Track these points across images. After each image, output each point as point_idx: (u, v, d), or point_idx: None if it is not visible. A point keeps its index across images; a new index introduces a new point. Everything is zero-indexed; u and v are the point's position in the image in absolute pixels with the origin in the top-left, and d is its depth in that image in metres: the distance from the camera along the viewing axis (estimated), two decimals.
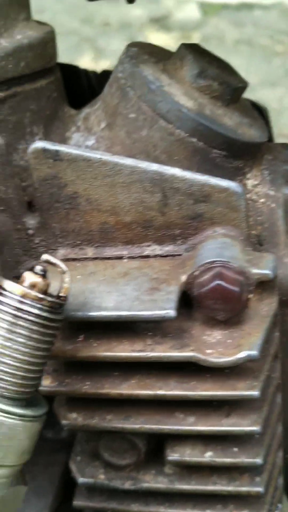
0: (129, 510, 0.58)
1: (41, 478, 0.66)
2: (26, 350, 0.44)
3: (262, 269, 0.51)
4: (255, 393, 0.50)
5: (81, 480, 0.57)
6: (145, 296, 0.50)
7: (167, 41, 2.65)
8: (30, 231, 0.58)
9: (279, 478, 0.62)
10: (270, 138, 0.74)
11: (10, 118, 0.58)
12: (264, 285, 0.53)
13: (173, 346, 0.50)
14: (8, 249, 0.58)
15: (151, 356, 0.50)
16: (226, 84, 0.59)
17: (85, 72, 0.77)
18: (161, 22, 2.78)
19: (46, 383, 0.53)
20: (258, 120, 0.64)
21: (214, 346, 0.50)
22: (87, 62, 2.22)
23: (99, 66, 2.28)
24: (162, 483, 0.56)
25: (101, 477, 0.57)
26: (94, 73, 0.78)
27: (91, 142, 0.61)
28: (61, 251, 0.57)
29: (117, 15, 2.76)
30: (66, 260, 0.57)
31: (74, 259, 0.57)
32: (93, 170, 0.54)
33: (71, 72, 0.74)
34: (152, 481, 0.56)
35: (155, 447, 0.57)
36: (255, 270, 0.51)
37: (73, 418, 0.54)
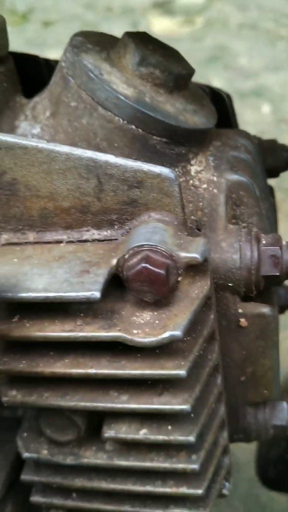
0: (72, 484, 0.60)
1: None
2: None
3: (190, 253, 0.52)
4: (181, 372, 0.51)
5: (25, 454, 0.60)
6: (74, 279, 0.52)
7: (170, 26, 2.64)
8: None
9: (224, 457, 0.63)
10: (230, 126, 0.74)
11: None
12: (196, 269, 0.54)
13: (101, 327, 0.52)
14: None
15: (79, 336, 0.52)
16: (168, 71, 0.60)
17: (46, 61, 0.78)
18: (164, 6, 2.77)
19: None
20: (206, 106, 0.65)
21: (142, 326, 0.51)
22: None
23: None
24: (101, 459, 0.58)
25: (44, 453, 0.59)
26: (56, 62, 0.79)
27: (36, 130, 0.63)
28: (4, 236, 0.59)
29: (120, 0, 2.75)
30: (8, 244, 0.59)
31: (16, 243, 0.59)
32: (30, 157, 0.56)
33: (30, 62, 0.76)
34: (92, 457, 0.58)
35: (96, 425, 0.59)
36: (183, 254, 0.52)
37: (12, 395, 0.56)
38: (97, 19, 2.65)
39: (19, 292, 0.52)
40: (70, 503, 0.63)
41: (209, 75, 2.23)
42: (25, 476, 0.62)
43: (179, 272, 0.52)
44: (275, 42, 2.71)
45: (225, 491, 0.65)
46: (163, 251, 0.51)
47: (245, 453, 1.56)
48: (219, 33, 2.55)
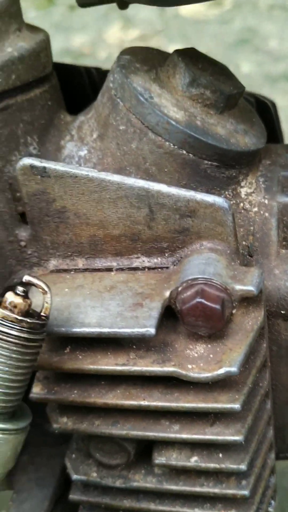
0: (121, 505, 0.61)
1: (43, 470, 0.70)
2: (6, 369, 0.47)
3: (246, 285, 0.51)
4: (236, 406, 0.51)
5: (74, 477, 0.61)
6: (128, 313, 0.52)
7: (198, 8, 2.57)
8: (23, 243, 0.60)
9: (271, 478, 0.64)
10: (275, 134, 0.73)
11: (2, 131, 0.59)
12: (250, 299, 0.53)
13: (155, 361, 0.52)
14: (2, 260, 0.60)
15: (133, 371, 0.52)
16: (219, 91, 0.58)
17: (87, 70, 0.77)
18: None
19: (36, 390, 0.55)
20: (256, 124, 0.63)
21: (196, 361, 0.51)
22: (116, 31, 2.18)
23: (128, 35, 2.23)
24: (151, 483, 0.59)
25: (94, 475, 0.60)
26: (95, 69, 0.78)
27: (83, 152, 0.62)
28: (53, 262, 0.59)
29: None
30: (57, 271, 0.59)
31: (65, 270, 0.59)
32: (80, 186, 0.55)
33: (71, 72, 0.74)
34: (142, 481, 0.59)
35: (145, 449, 0.59)
36: (238, 287, 0.51)
37: (63, 423, 0.57)
38: None
39: (72, 327, 0.52)
40: None
41: (238, 59, 2.18)
42: (74, 496, 0.63)
43: (234, 304, 0.52)
44: None
45: (270, 509, 0.65)
46: (218, 284, 0.51)
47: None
48: (248, 15, 2.48)
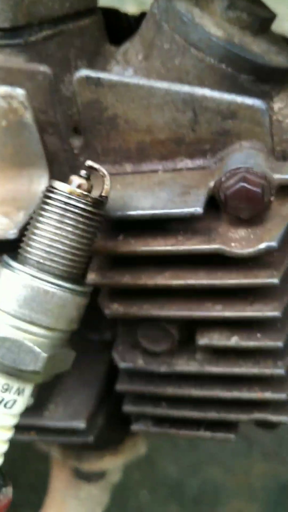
0: (164, 392, 0.67)
1: (88, 373, 0.76)
2: (73, 237, 0.53)
3: (283, 174, 0.58)
4: (274, 280, 0.57)
5: (122, 364, 0.66)
6: (177, 198, 0.58)
7: None
8: (76, 151, 0.66)
9: None
10: None
11: (57, 53, 0.66)
12: (286, 191, 0.59)
13: (201, 241, 0.58)
14: (57, 166, 0.66)
15: (182, 250, 0.58)
16: (254, 15, 0.65)
17: (125, 15, 0.84)
18: None
19: (92, 277, 0.62)
20: (286, 49, 0.69)
21: (238, 240, 0.57)
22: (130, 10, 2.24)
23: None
24: (193, 367, 0.64)
25: (140, 362, 0.66)
26: (134, 17, 0.85)
27: (129, 73, 0.68)
28: (104, 168, 0.65)
29: None
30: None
31: (114, 174, 0.65)
32: (130, 94, 0.62)
33: (111, 14, 0.81)
34: (184, 365, 0.65)
35: (187, 338, 0.65)
36: (276, 175, 0.58)
37: (114, 308, 0.63)
38: None
39: (128, 210, 0.58)
40: (159, 411, 0.70)
41: None
42: (121, 386, 0.69)
43: (272, 192, 0.58)
44: None
45: None
46: (258, 172, 0.57)
47: None
48: None
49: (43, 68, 0.63)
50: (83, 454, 0.83)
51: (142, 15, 0.82)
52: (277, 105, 0.67)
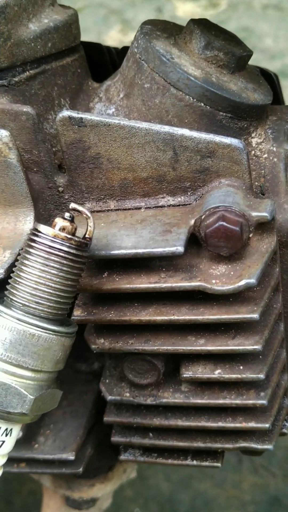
0: (151, 423, 0.68)
1: (77, 404, 0.77)
2: (58, 280, 0.55)
3: (260, 212, 0.59)
4: (255, 315, 0.58)
5: (109, 397, 0.68)
6: (159, 237, 0.59)
7: (194, 9, 2.68)
8: (60, 189, 0.68)
9: (285, 399, 0.71)
10: (279, 102, 0.81)
11: (40, 92, 0.68)
12: (264, 227, 0.61)
13: (183, 278, 0.59)
14: (42, 204, 0.68)
15: (165, 287, 0.59)
16: (231, 53, 0.67)
17: (107, 49, 0.85)
18: None
19: (77, 313, 0.63)
20: (263, 85, 0.71)
21: (219, 277, 0.59)
22: (115, 34, 2.28)
23: (127, 38, 2.33)
24: (179, 399, 0.66)
25: (127, 395, 0.67)
26: (115, 49, 0.87)
27: (111, 110, 0.70)
28: (87, 205, 0.67)
29: None
30: (91, 212, 0.67)
31: (98, 211, 0.66)
32: (112, 134, 0.63)
33: (94, 49, 0.83)
34: (171, 397, 0.66)
35: (172, 370, 0.66)
36: (254, 213, 0.59)
37: (101, 343, 0.64)
38: (123, 6, 2.70)
39: (111, 250, 0.59)
40: (147, 441, 0.71)
41: None
42: (108, 418, 0.70)
43: (251, 229, 0.59)
44: None
45: (285, 430, 0.72)
46: (237, 211, 0.59)
47: None
48: (243, 15, 2.59)
49: (26, 108, 0.64)
50: (74, 483, 0.84)
51: (125, 49, 0.84)
52: (255, 140, 0.69)
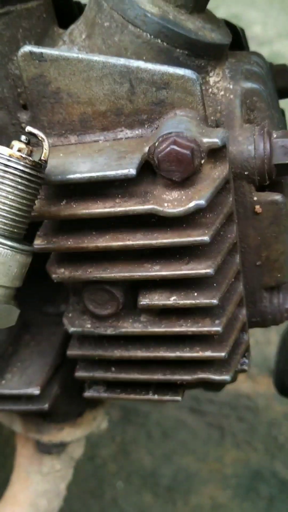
0: (112, 355, 0.70)
1: (44, 344, 0.79)
2: (13, 197, 0.56)
3: (212, 138, 0.61)
4: (205, 238, 0.60)
5: (72, 329, 0.69)
6: (113, 162, 0.61)
7: None
8: (23, 125, 0.69)
9: (243, 334, 0.72)
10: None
11: (4, 33, 0.70)
12: (216, 156, 0.63)
13: (137, 203, 0.61)
14: (6, 140, 0.69)
15: (119, 211, 0.61)
16: None
17: (77, 3, 0.87)
18: None
19: (38, 242, 0.64)
20: (222, 28, 0.73)
21: (171, 201, 0.61)
22: None
23: None
24: (137, 328, 0.67)
25: (88, 326, 0.69)
26: (85, 4, 0.89)
27: (74, 51, 0.72)
28: (49, 141, 0.68)
29: None
30: (53, 147, 0.68)
31: (60, 146, 0.68)
32: (71, 67, 0.65)
33: (63, 2, 0.85)
34: (130, 327, 0.67)
35: (132, 303, 0.68)
36: (205, 139, 0.61)
37: (61, 272, 0.66)
38: None
39: (67, 175, 0.61)
40: (110, 375, 0.72)
41: None
42: (71, 352, 0.72)
43: (202, 155, 0.61)
44: None
45: (245, 367, 0.74)
46: (188, 136, 0.60)
47: (264, 396, 1.66)
48: (232, 2, 2.61)
49: None
50: (43, 426, 0.85)
51: None
52: (212, 79, 0.70)
